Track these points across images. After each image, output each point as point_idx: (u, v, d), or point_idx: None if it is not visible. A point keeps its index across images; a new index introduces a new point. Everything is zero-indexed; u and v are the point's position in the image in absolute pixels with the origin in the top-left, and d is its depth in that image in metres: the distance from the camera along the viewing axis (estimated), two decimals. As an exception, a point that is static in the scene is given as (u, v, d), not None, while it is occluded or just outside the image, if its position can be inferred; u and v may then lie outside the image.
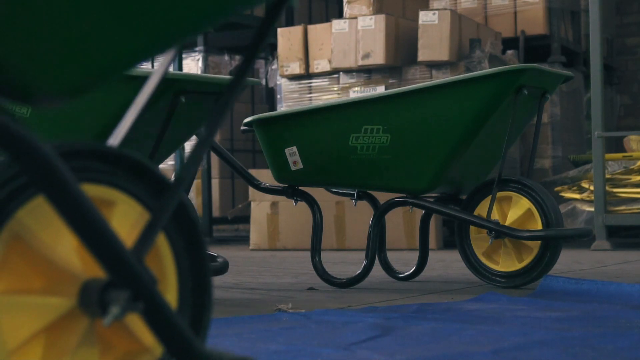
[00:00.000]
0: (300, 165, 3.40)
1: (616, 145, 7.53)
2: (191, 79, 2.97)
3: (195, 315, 1.23)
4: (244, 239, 7.40)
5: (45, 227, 1.09)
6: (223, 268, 3.04)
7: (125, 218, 1.17)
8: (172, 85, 2.86)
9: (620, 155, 6.37)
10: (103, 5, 1.03)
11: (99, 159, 1.14)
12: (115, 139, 1.23)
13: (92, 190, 1.13)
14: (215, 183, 7.54)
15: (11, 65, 1.04)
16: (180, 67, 6.57)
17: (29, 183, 1.07)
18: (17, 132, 1.01)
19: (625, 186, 6.14)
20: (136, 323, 1.15)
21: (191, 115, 3.03)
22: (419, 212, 3.87)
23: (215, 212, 7.51)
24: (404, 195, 3.49)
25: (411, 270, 3.69)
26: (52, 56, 1.06)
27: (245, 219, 7.25)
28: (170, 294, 1.21)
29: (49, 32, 1.04)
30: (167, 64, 1.27)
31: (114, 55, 1.09)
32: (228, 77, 3.11)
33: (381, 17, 6.30)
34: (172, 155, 6.85)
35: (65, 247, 1.10)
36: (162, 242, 1.20)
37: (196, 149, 1.19)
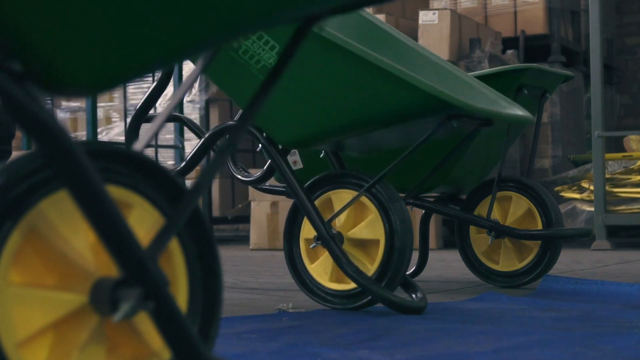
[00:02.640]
0: (300, 165, 3.39)
1: (616, 145, 7.53)
2: (469, 107, 2.61)
3: (204, 324, 1.23)
4: (244, 239, 7.40)
5: (65, 222, 1.10)
6: (420, 308, 2.57)
7: (142, 222, 1.18)
8: (448, 107, 2.54)
9: (620, 155, 6.37)
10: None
11: (122, 162, 1.16)
12: (140, 144, 1.24)
13: (112, 192, 1.14)
14: (215, 183, 7.54)
15: (47, 55, 1.05)
16: (180, 72, 6.55)
17: (54, 176, 1.09)
18: (49, 123, 1.03)
19: (625, 186, 6.14)
20: (145, 326, 1.16)
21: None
22: (419, 212, 3.87)
23: (215, 212, 7.51)
24: (404, 194, 3.49)
25: (411, 270, 3.68)
26: (90, 48, 1.06)
27: (245, 218, 7.25)
28: (181, 301, 1.22)
29: (87, 22, 1.04)
30: (200, 68, 1.27)
31: (152, 51, 1.10)
32: (504, 111, 2.83)
33: (381, 17, 6.30)
34: (172, 156, 6.85)
35: (82, 243, 1.12)
36: (175, 248, 1.21)
37: (216, 159, 1.20)
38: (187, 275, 1.22)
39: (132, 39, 1.07)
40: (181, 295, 1.22)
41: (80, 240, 1.12)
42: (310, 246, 2.72)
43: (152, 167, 1.18)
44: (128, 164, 1.16)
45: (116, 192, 1.15)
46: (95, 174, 1.06)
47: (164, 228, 1.15)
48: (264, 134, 2.79)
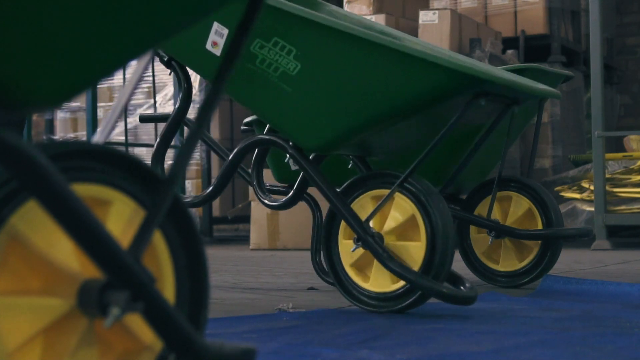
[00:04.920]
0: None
1: (616, 145, 7.53)
2: (501, 80, 2.56)
3: (193, 311, 1.23)
4: (244, 239, 7.40)
5: (40, 231, 1.08)
6: (472, 297, 2.49)
7: (123, 217, 1.17)
8: (475, 84, 2.49)
9: (620, 155, 6.37)
10: (89, 17, 1.04)
11: (95, 159, 1.14)
12: (101, 136, 1.23)
13: (84, 190, 1.13)
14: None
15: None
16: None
17: (19, 188, 1.07)
18: (2, 136, 1.00)
19: (625, 186, 6.14)
20: (135, 321, 1.15)
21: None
22: (419, 212, 3.86)
23: (215, 212, 7.51)
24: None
25: (411, 270, 3.68)
26: (40, 67, 1.06)
27: (245, 218, 7.25)
28: (168, 291, 1.21)
29: (36, 44, 1.03)
30: (144, 65, 1.28)
31: (100, 62, 1.10)
32: (534, 86, 2.77)
33: (381, 17, 6.30)
34: (172, 156, 6.85)
35: (63, 248, 1.10)
36: (158, 239, 1.20)
37: (187, 143, 1.18)
38: (173, 265, 1.22)
39: (83, 55, 1.07)
40: (168, 286, 1.21)
41: (61, 246, 1.10)
42: (351, 250, 2.64)
43: (126, 161, 1.17)
44: (101, 160, 1.14)
45: (93, 190, 1.13)
46: (60, 179, 1.03)
47: (144, 223, 1.14)
48: (291, 143, 2.72)
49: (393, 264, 2.51)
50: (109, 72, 1.12)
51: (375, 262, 2.62)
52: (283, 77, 2.56)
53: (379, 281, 2.64)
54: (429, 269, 2.55)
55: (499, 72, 2.79)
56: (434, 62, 2.43)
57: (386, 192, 2.63)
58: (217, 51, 2.64)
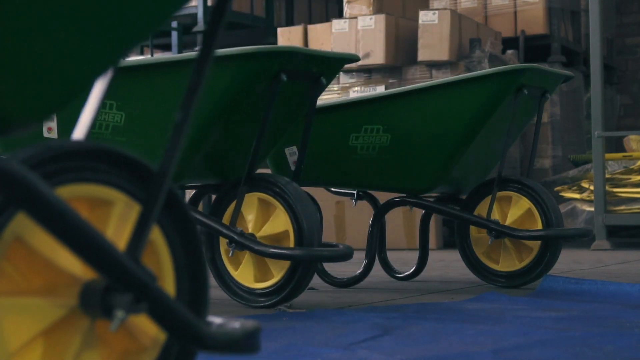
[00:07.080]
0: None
1: (616, 145, 7.53)
2: (307, 50, 2.84)
3: (194, 306, 1.23)
4: (244, 239, 7.38)
5: (41, 234, 1.07)
6: (350, 253, 2.74)
7: (125, 217, 1.16)
8: (270, 61, 2.74)
9: (620, 155, 6.37)
10: (65, 33, 1.04)
11: (96, 159, 1.13)
12: (79, 133, 1.22)
13: (90, 191, 1.12)
14: (215, 183, 7.53)
15: None
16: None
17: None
18: None
19: (625, 186, 6.14)
20: (136, 321, 1.15)
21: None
22: (419, 212, 3.87)
23: (215, 212, 7.49)
24: (404, 195, 3.49)
25: (411, 270, 3.69)
26: (18, 86, 1.05)
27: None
28: (168, 285, 1.21)
29: (13, 64, 1.03)
30: (110, 77, 1.27)
31: (79, 75, 1.10)
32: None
33: (381, 17, 6.30)
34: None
35: (64, 249, 1.10)
36: (156, 235, 1.19)
37: (175, 134, 1.16)
38: (172, 259, 1.21)
39: (61, 71, 1.07)
40: (168, 281, 1.20)
41: (62, 248, 1.09)
42: (229, 255, 2.82)
43: (127, 160, 1.15)
44: (103, 160, 1.13)
45: (94, 191, 1.13)
46: (45, 189, 1.01)
47: (141, 219, 1.13)
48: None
49: (267, 248, 2.70)
50: (88, 83, 1.12)
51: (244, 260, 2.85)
52: (115, 131, 2.78)
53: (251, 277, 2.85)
54: (301, 243, 2.73)
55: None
56: (225, 55, 2.67)
57: (251, 197, 2.83)
58: (54, 134, 2.84)
